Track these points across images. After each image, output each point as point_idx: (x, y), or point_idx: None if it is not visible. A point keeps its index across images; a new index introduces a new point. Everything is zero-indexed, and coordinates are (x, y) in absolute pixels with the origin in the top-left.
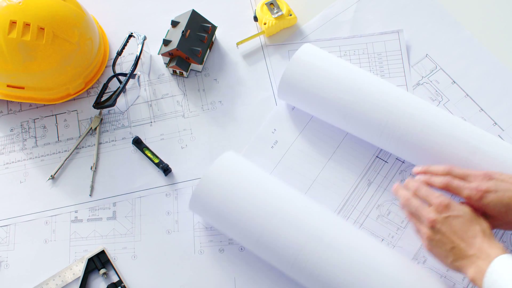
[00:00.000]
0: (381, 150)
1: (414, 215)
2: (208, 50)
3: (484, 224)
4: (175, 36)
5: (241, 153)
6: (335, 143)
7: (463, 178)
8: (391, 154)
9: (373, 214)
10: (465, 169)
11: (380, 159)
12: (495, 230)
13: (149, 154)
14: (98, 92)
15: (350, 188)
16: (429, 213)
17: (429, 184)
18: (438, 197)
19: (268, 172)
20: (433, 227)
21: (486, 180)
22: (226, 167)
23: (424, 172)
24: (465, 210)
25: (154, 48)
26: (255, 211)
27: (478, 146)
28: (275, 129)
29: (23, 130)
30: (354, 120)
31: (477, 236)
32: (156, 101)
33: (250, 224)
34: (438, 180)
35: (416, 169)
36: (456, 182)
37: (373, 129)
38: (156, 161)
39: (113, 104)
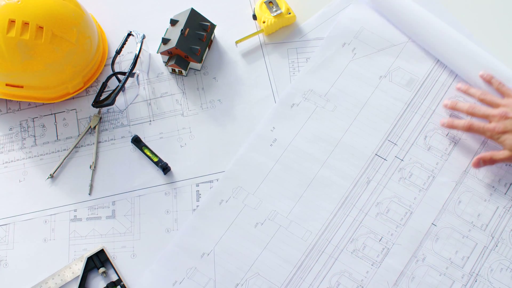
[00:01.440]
0: (380, 148)
1: (475, 124)
2: (207, 48)
3: None
4: (174, 35)
5: (239, 151)
6: (334, 141)
7: (484, 117)
8: (390, 152)
9: (372, 212)
10: (486, 108)
11: (379, 157)
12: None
13: (148, 153)
14: (97, 91)
15: (349, 186)
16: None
17: (453, 127)
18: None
19: (267, 170)
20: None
21: (502, 120)
22: None
23: (452, 108)
24: None
25: (153, 47)
26: None
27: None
28: (274, 127)
29: (22, 129)
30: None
31: None
32: (155, 99)
33: None
34: (461, 123)
35: (445, 103)
36: (477, 124)
37: (436, 37)
38: (155, 159)
39: (112, 103)
